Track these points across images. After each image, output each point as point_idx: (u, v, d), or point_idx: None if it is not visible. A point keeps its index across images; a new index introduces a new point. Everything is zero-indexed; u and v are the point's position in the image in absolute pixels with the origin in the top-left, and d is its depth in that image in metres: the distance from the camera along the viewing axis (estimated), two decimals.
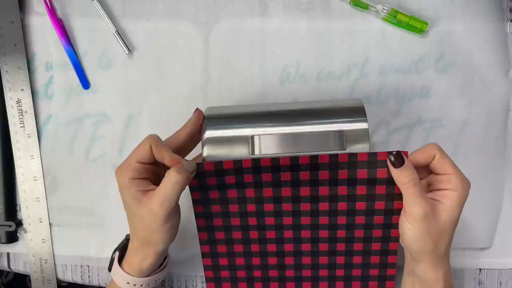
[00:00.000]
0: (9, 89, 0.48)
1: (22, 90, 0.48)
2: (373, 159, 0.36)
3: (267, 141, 0.36)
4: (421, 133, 0.46)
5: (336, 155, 0.36)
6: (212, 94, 0.47)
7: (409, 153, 0.36)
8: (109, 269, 0.41)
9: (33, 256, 0.49)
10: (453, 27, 0.45)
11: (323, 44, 0.46)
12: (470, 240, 0.46)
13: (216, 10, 0.47)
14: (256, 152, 0.36)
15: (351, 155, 0.36)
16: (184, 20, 0.47)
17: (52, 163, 0.49)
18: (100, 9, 0.46)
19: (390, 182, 0.36)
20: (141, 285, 0.39)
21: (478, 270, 0.47)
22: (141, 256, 0.38)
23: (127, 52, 0.47)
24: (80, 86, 0.48)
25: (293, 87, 0.46)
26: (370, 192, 0.38)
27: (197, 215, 0.41)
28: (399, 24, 0.45)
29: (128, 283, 0.39)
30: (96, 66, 0.48)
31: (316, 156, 0.36)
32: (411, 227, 0.35)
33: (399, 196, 0.37)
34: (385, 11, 0.45)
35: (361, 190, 0.38)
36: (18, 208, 0.50)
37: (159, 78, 0.47)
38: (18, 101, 0.48)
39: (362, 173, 0.37)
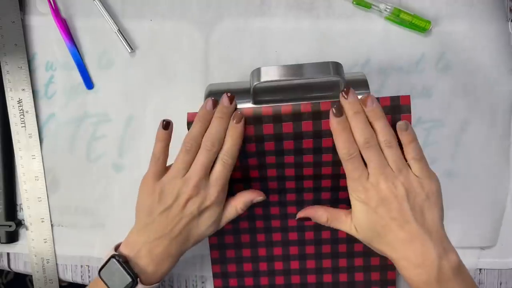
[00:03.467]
0: (10, 89, 0.48)
1: (23, 90, 0.48)
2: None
3: (267, 71, 0.36)
4: (421, 132, 0.46)
5: (338, 101, 0.36)
6: None
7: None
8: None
9: (35, 256, 0.49)
10: (456, 27, 0.45)
11: (326, 44, 0.46)
12: (473, 239, 0.46)
13: (218, 9, 0.47)
14: (255, 81, 0.36)
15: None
16: (186, 19, 0.47)
17: (53, 163, 0.49)
18: (102, 8, 0.46)
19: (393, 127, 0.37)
20: None
21: (478, 270, 0.47)
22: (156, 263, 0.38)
23: (129, 51, 0.47)
24: (81, 86, 0.48)
25: None
26: None
27: None
28: (402, 23, 0.45)
29: None
30: (97, 66, 0.48)
31: (317, 104, 0.36)
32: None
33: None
34: (388, 10, 0.45)
35: None
36: (18, 208, 0.50)
37: (161, 78, 0.47)
38: (19, 101, 0.48)
39: None
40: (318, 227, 0.44)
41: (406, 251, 0.35)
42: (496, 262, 0.47)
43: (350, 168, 0.36)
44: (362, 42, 0.46)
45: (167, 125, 0.39)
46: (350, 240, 0.44)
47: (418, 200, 0.35)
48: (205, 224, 0.38)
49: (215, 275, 0.46)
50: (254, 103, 0.38)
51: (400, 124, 0.37)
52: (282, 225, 0.44)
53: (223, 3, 0.47)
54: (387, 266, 0.44)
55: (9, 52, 0.47)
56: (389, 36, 0.46)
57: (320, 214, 0.39)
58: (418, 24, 0.44)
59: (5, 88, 0.48)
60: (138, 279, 0.37)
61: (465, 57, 0.45)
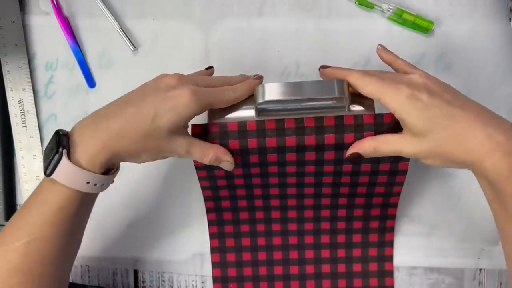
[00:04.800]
0: (11, 89, 0.47)
1: (24, 89, 0.48)
2: (380, 121, 0.35)
3: (271, 88, 0.35)
4: None
5: (342, 117, 0.36)
6: None
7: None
8: (47, 173, 0.32)
9: None
10: (458, 27, 0.45)
11: (327, 43, 0.46)
12: (474, 239, 0.47)
13: (220, 9, 0.47)
14: (259, 100, 0.35)
15: (357, 117, 0.35)
16: (188, 19, 0.47)
17: None
18: (103, 7, 0.46)
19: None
20: (102, 184, 0.34)
21: (478, 270, 0.47)
22: (102, 151, 0.32)
23: (132, 49, 0.47)
24: (81, 86, 0.48)
25: None
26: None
27: (203, 188, 0.42)
28: (404, 23, 0.45)
29: (88, 182, 0.33)
30: (99, 65, 0.48)
31: (321, 118, 0.36)
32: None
33: (405, 159, 0.37)
34: (390, 10, 0.44)
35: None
36: (18, 208, 0.50)
37: None
38: (20, 101, 0.48)
39: (368, 136, 0.36)
40: (318, 232, 0.45)
41: (489, 135, 0.30)
42: (496, 262, 0.47)
43: (383, 83, 0.33)
44: (364, 42, 0.46)
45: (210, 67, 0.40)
46: (349, 244, 0.45)
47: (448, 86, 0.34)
48: (164, 111, 0.32)
49: (215, 280, 0.47)
50: (258, 115, 0.37)
51: (378, 48, 0.37)
52: (282, 228, 0.45)
53: (225, 2, 0.46)
54: (386, 216, 0.44)
55: (10, 52, 0.47)
56: (391, 36, 0.46)
57: (367, 145, 0.35)
58: (420, 25, 0.44)
59: (6, 88, 0.48)
60: (64, 151, 0.32)
61: (467, 58, 0.45)
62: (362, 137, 0.36)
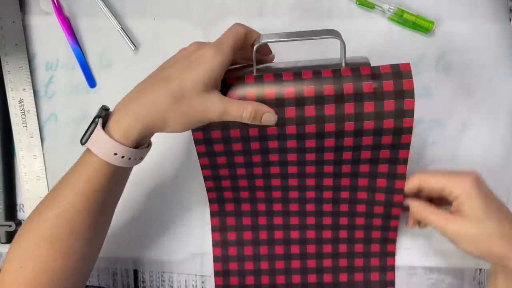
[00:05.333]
0: (11, 88, 0.47)
1: (24, 89, 0.48)
2: (377, 71, 0.36)
3: (269, 36, 0.37)
4: (422, 132, 0.46)
5: (339, 69, 0.36)
6: None
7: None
8: (83, 141, 0.34)
9: None
10: (458, 27, 0.45)
11: (328, 43, 0.46)
12: None
13: (221, 9, 0.47)
14: (257, 42, 0.36)
15: (354, 69, 0.36)
16: (188, 19, 0.47)
17: (54, 162, 0.49)
18: (104, 7, 0.46)
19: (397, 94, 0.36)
20: (129, 158, 0.34)
21: (478, 270, 0.47)
22: (135, 124, 0.33)
23: (132, 48, 0.47)
24: (81, 85, 0.48)
25: None
26: (378, 109, 0.37)
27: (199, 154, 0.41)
28: (405, 23, 0.45)
29: (116, 153, 0.33)
30: (99, 65, 0.48)
31: (319, 71, 0.36)
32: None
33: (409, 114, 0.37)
34: (391, 10, 0.44)
35: (368, 106, 0.37)
36: (18, 208, 0.50)
37: None
38: (20, 101, 0.48)
39: (367, 86, 0.36)
40: (320, 213, 0.44)
41: None
42: None
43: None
44: (365, 42, 0.46)
45: None
46: (355, 161, 0.41)
47: None
48: (191, 73, 0.33)
49: (215, 259, 0.46)
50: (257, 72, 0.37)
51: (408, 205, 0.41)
52: (283, 208, 0.44)
53: (225, 2, 0.46)
54: (392, 203, 0.43)
55: (10, 52, 0.47)
56: (392, 36, 0.46)
57: (417, 208, 0.39)
58: (421, 25, 0.44)
59: (6, 88, 0.48)
60: (99, 120, 0.33)
61: (467, 58, 0.45)
62: (361, 88, 0.36)
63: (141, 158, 0.36)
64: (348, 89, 0.36)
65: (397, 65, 0.37)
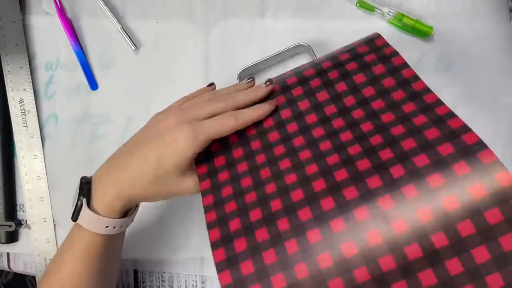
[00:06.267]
0: (12, 88, 0.47)
1: (25, 89, 0.48)
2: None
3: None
4: None
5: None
6: None
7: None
8: (73, 219, 0.35)
9: (38, 255, 0.49)
10: (458, 32, 0.45)
11: (327, 44, 0.46)
12: None
13: (222, 10, 0.47)
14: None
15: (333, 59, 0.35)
16: (190, 21, 0.47)
17: (54, 162, 0.49)
18: (105, 7, 0.46)
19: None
20: (121, 226, 0.36)
21: None
22: (117, 199, 0.34)
23: (133, 48, 0.47)
24: (81, 86, 0.48)
25: None
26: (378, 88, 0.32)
27: None
28: (404, 27, 0.45)
29: (107, 226, 0.35)
30: (100, 66, 0.48)
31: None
32: None
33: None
34: (391, 14, 0.45)
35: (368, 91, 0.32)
36: (18, 208, 0.50)
37: (163, 78, 0.48)
38: (21, 101, 0.48)
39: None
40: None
41: None
42: None
43: None
44: None
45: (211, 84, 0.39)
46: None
47: None
48: (166, 157, 0.33)
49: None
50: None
51: None
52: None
53: (227, 3, 0.47)
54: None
55: (10, 52, 0.47)
56: (391, 40, 0.46)
57: None
58: (420, 29, 0.44)
59: (7, 88, 0.48)
60: (83, 200, 0.34)
61: (467, 63, 0.45)
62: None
63: (132, 220, 0.37)
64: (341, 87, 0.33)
65: (369, 38, 0.35)
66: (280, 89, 0.36)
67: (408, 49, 0.46)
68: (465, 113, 0.45)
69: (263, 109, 0.34)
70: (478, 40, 0.45)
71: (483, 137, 0.46)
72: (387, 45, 0.34)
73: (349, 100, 0.32)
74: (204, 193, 0.33)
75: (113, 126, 0.48)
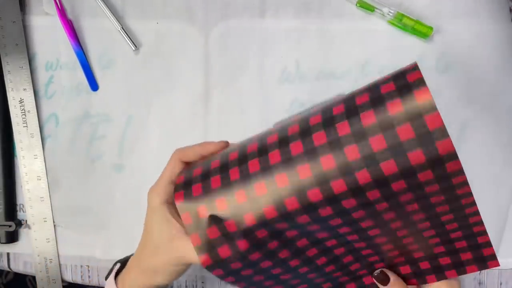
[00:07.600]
0: (12, 88, 0.47)
1: (25, 89, 0.48)
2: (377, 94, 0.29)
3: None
4: None
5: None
6: (214, 93, 0.47)
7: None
8: (106, 278, 0.39)
9: (38, 255, 0.49)
10: (459, 32, 0.45)
11: (327, 44, 0.46)
12: None
13: (223, 11, 0.47)
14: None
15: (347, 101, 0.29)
16: (190, 21, 0.47)
17: (54, 162, 0.49)
18: (105, 7, 0.46)
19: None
20: None
21: None
22: (136, 282, 0.37)
23: (133, 48, 0.47)
24: (81, 86, 0.48)
25: (293, 87, 0.47)
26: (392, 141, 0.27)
27: None
28: (404, 28, 0.45)
29: None
30: (100, 66, 0.48)
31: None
32: None
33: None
34: (391, 14, 0.45)
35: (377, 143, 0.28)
36: (18, 208, 0.50)
37: (163, 78, 0.48)
38: (21, 101, 0.48)
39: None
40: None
41: None
42: None
43: None
44: (364, 44, 0.46)
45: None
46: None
47: None
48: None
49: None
50: None
51: None
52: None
53: (227, 2, 0.47)
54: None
55: (10, 52, 0.47)
56: (391, 39, 0.46)
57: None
58: (420, 30, 0.44)
59: (7, 88, 0.48)
60: (115, 266, 0.39)
61: (467, 63, 0.45)
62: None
63: None
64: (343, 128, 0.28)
65: (401, 73, 0.29)
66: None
67: (408, 49, 0.46)
68: (465, 113, 0.45)
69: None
70: (478, 41, 0.45)
71: (483, 137, 0.46)
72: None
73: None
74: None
75: (113, 126, 0.48)
